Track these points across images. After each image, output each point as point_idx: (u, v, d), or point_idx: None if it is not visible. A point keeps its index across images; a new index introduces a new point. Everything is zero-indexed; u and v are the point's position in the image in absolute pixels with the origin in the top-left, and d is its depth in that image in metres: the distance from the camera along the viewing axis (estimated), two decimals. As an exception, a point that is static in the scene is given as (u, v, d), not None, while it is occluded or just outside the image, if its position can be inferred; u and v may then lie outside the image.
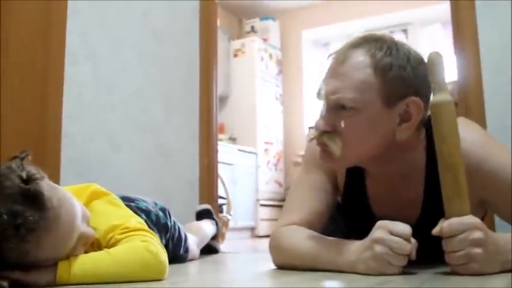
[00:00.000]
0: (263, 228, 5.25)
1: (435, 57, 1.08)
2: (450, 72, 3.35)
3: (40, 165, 1.04)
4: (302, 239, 1.23)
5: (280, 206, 5.20)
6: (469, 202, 1.05)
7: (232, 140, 5.46)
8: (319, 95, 1.19)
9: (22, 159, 1.01)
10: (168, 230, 1.60)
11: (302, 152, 1.52)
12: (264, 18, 6.05)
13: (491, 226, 1.99)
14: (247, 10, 6.07)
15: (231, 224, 3.94)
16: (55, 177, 1.81)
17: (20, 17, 2.05)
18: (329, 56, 1.21)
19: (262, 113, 5.63)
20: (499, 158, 1.17)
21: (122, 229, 1.16)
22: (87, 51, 2.26)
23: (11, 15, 2.01)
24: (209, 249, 2.09)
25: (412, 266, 1.08)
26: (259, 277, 1.31)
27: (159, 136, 2.60)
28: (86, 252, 1.09)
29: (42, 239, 0.96)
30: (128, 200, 1.44)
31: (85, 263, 1.04)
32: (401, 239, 1.04)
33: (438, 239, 1.04)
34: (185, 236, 1.71)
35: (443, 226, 1.02)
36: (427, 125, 1.20)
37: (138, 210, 1.47)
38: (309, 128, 1.23)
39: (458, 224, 1.01)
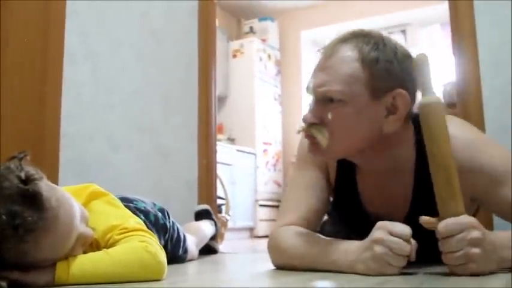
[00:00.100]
0: (262, 228, 5.25)
1: (422, 59, 1.10)
2: (449, 72, 3.35)
3: (39, 165, 1.03)
4: (300, 240, 1.23)
5: (279, 207, 5.20)
6: (463, 202, 1.05)
7: (231, 140, 5.46)
8: (308, 88, 1.22)
9: (20, 159, 1.01)
10: (166, 231, 1.60)
11: (300, 152, 1.52)
12: (262, 18, 6.05)
13: (490, 225, 1.99)
14: (245, 10, 6.07)
15: (229, 225, 3.94)
16: (54, 178, 1.81)
17: (18, 17, 2.05)
18: (318, 50, 1.23)
19: (260, 114, 5.63)
20: (489, 156, 1.17)
21: (121, 229, 1.16)
22: (86, 51, 2.26)
23: (10, 15, 2.01)
24: (208, 250, 2.09)
25: (411, 266, 1.08)
26: (258, 277, 1.31)
27: (157, 136, 2.60)
28: (84, 252, 1.09)
29: (40, 239, 0.96)
30: (126, 201, 1.44)
31: (84, 263, 1.04)
32: (401, 240, 1.04)
33: (428, 235, 1.04)
34: (184, 236, 1.71)
35: (439, 227, 1.02)
36: (415, 122, 1.20)
37: (137, 210, 1.47)
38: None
39: (455, 224, 1.01)
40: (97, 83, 2.30)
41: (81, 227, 1.06)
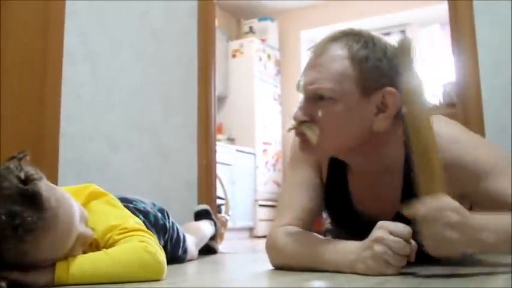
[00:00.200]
0: (261, 228, 5.25)
1: (405, 43, 1.12)
2: (449, 72, 3.35)
3: (38, 165, 1.03)
4: (299, 240, 1.23)
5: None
6: (443, 184, 1.04)
7: (231, 140, 5.45)
8: (298, 86, 1.23)
9: (20, 159, 1.01)
10: (166, 231, 1.60)
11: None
12: (262, 18, 6.05)
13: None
14: (245, 10, 6.07)
15: (229, 225, 3.94)
16: (53, 178, 1.81)
17: (18, 17, 2.05)
18: (308, 49, 1.25)
19: (260, 114, 5.63)
20: (474, 152, 1.17)
21: (120, 229, 1.16)
22: (86, 52, 2.26)
23: (10, 16, 2.01)
24: (208, 250, 2.09)
25: (410, 266, 1.08)
26: (258, 277, 1.31)
27: (157, 136, 2.60)
28: (84, 252, 1.09)
29: (40, 239, 0.96)
30: (126, 201, 1.44)
31: (83, 264, 1.04)
32: (401, 240, 1.04)
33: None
34: (184, 236, 1.71)
35: (417, 209, 1.01)
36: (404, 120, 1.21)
37: (136, 211, 1.47)
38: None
39: (433, 207, 1.00)
40: (97, 83, 2.30)
41: (80, 227, 1.06)
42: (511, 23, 2.22)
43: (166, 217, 1.65)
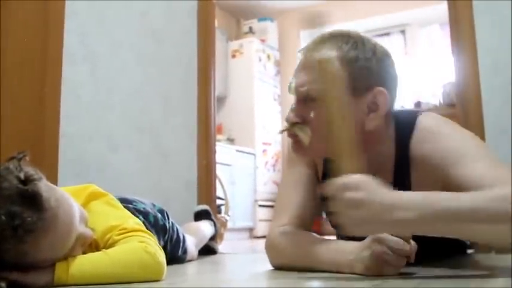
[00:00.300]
0: (261, 228, 5.25)
1: (317, 16, 1.16)
2: (448, 73, 3.35)
3: (38, 165, 1.03)
4: (297, 240, 1.24)
5: (278, 207, 5.19)
6: (356, 161, 1.05)
7: (231, 140, 5.45)
8: (289, 88, 1.24)
9: (20, 159, 1.01)
10: (166, 232, 1.60)
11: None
12: (262, 19, 6.05)
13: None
14: (245, 11, 6.07)
15: (229, 225, 3.94)
16: (53, 178, 1.81)
17: (18, 17, 2.05)
18: (299, 51, 1.26)
19: (260, 114, 5.63)
20: (448, 142, 1.15)
21: (120, 230, 1.16)
22: (85, 52, 2.26)
23: (10, 16, 2.01)
24: (207, 250, 2.09)
25: (409, 267, 1.08)
26: (258, 277, 1.31)
27: (157, 136, 2.60)
28: (84, 253, 1.09)
29: (40, 239, 0.96)
30: (126, 202, 1.44)
31: (83, 264, 1.04)
32: (401, 240, 1.04)
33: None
34: (183, 237, 1.71)
35: (327, 188, 1.01)
36: (395, 118, 1.23)
37: (136, 211, 1.47)
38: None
39: (339, 184, 1.00)
40: (96, 83, 2.30)
41: (80, 228, 1.06)
42: (511, 23, 2.22)
43: (166, 218, 1.65)
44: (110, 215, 1.22)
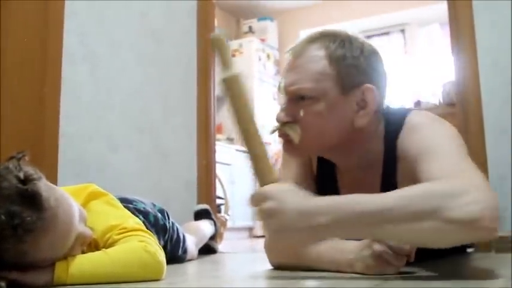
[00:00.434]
0: (261, 228, 5.25)
1: (219, 39, 1.15)
2: (448, 72, 3.35)
3: (38, 165, 1.03)
4: None
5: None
6: (272, 172, 1.09)
7: (230, 140, 5.45)
8: (279, 88, 1.25)
9: (19, 159, 1.01)
10: (166, 231, 1.60)
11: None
12: (261, 18, 6.05)
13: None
14: (244, 10, 6.07)
15: (229, 224, 3.94)
16: (53, 178, 1.81)
17: (17, 17, 2.05)
18: (287, 51, 1.27)
19: (260, 113, 5.62)
20: (422, 137, 1.14)
21: (120, 229, 1.16)
22: (85, 52, 2.26)
23: (9, 16, 2.01)
24: (207, 249, 2.09)
25: (409, 266, 1.08)
26: (258, 277, 1.31)
27: (157, 136, 2.60)
28: (83, 252, 1.09)
29: (40, 239, 0.96)
30: (126, 202, 1.44)
31: (83, 263, 1.04)
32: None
33: None
34: (183, 236, 1.71)
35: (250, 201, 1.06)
36: (385, 116, 1.24)
37: (136, 211, 1.47)
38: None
39: (256, 195, 1.04)
40: (96, 83, 2.30)
41: (80, 227, 1.06)
42: (511, 23, 2.21)
43: (167, 217, 1.65)
44: (109, 215, 1.22)
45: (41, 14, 2.09)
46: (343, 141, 1.21)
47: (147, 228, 1.24)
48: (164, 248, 1.30)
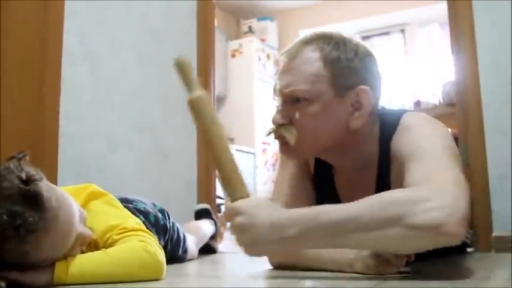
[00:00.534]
0: (261, 228, 5.25)
1: (183, 62, 1.16)
2: (448, 72, 3.35)
3: (38, 165, 1.03)
4: None
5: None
6: (242, 186, 1.09)
7: (230, 140, 5.46)
8: (274, 91, 1.25)
9: (20, 159, 1.01)
10: (167, 231, 1.60)
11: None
12: (261, 18, 6.05)
13: (487, 219, 1.99)
14: (244, 10, 6.07)
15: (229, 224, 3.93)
16: (53, 178, 1.81)
17: (17, 17, 2.05)
18: (282, 53, 1.28)
19: (260, 113, 5.63)
20: (413, 139, 1.14)
21: (120, 229, 1.16)
22: (85, 52, 2.26)
23: (9, 16, 2.01)
24: (208, 249, 2.09)
25: (409, 266, 1.08)
26: (258, 277, 1.31)
27: (157, 136, 2.60)
28: (83, 252, 1.09)
29: (41, 239, 0.96)
30: (126, 202, 1.44)
31: (83, 263, 1.04)
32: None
33: None
34: (184, 236, 1.71)
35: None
36: (381, 117, 1.24)
37: (137, 211, 1.47)
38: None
39: (228, 210, 1.06)
40: (96, 83, 2.30)
41: (80, 227, 1.07)
42: (510, 23, 2.21)
43: (167, 217, 1.65)
44: (109, 215, 1.22)
45: (40, 14, 2.08)
46: (339, 142, 1.21)
47: (147, 228, 1.24)
48: (164, 248, 1.30)
